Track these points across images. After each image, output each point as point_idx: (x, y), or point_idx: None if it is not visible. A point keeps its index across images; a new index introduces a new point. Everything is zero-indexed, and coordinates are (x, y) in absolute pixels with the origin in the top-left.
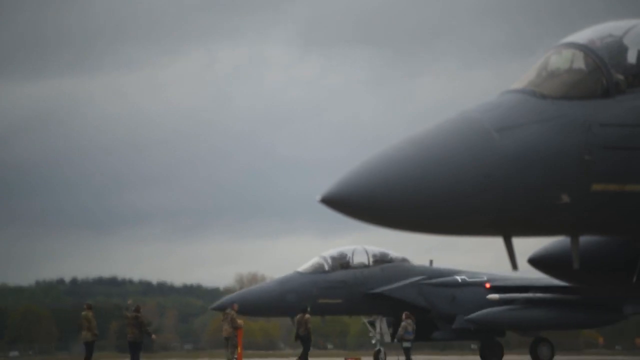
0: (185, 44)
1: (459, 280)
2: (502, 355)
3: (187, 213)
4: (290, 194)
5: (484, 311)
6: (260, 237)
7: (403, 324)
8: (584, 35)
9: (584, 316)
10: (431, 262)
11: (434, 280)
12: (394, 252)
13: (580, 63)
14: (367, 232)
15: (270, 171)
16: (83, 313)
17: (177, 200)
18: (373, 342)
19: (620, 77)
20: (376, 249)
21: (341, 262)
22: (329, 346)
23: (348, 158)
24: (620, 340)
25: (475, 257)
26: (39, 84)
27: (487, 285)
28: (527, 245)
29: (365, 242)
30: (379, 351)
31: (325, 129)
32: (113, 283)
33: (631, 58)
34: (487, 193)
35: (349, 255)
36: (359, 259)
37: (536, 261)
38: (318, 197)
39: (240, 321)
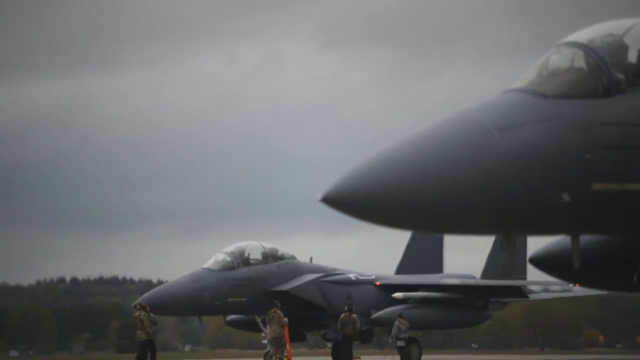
0: (197, 44)
1: (353, 278)
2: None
3: (191, 213)
4: (296, 194)
5: (386, 310)
6: (265, 237)
7: (396, 323)
8: (584, 34)
9: (465, 315)
10: (311, 259)
11: (331, 278)
12: (282, 248)
13: (580, 62)
14: (371, 231)
15: (274, 171)
16: (136, 313)
17: (180, 201)
18: (264, 342)
19: (621, 76)
20: (267, 244)
21: (242, 259)
22: (329, 345)
23: (356, 157)
24: (621, 338)
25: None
26: (39, 86)
27: (377, 283)
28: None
29: (368, 242)
30: (269, 352)
31: (336, 128)
32: (114, 282)
33: (632, 57)
34: (486, 192)
35: (247, 250)
36: (255, 255)
37: (536, 261)
38: (318, 196)
39: (285, 318)
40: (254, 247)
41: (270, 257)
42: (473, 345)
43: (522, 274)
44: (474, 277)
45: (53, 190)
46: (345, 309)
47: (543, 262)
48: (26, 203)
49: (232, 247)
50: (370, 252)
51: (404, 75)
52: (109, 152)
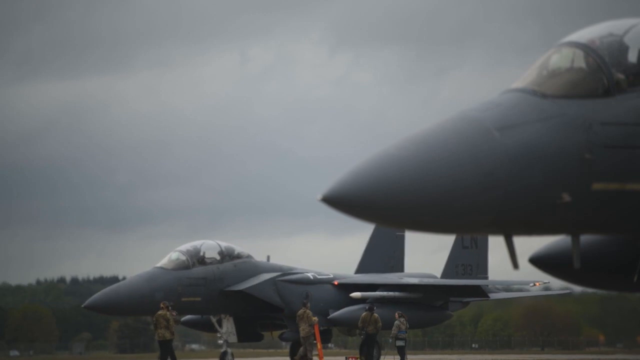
0: (205, 45)
1: (311, 277)
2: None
3: (194, 214)
4: (301, 194)
5: (344, 310)
6: (268, 237)
7: (396, 322)
8: (584, 34)
9: (424, 315)
10: (268, 257)
11: (288, 277)
12: (238, 247)
13: (580, 62)
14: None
15: (279, 171)
16: (160, 312)
17: (183, 201)
18: (220, 342)
19: (621, 76)
20: (224, 243)
21: (197, 258)
22: (330, 345)
23: (362, 157)
24: (621, 338)
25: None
26: (41, 87)
27: (335, 283)
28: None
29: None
30: (225, 353)
31: (343, 128)
32: (114, 282)
33: (632, 57)
34: (487, 192)
35: (202, 249)
36: (210, 253)
37: (537, 261)
38: (318, 196)
39: (315, 317)
40: (210, 246)
41: (227, 256)
42: (473, 345)
43: (484, 274)
44: (434, 277)
45: (54, 191)
46: (367, 308)
47: (543, 262)
48: (27, 203)
49: (187, 246)
50: None
51: (412, 76)
52: (111, 153)
